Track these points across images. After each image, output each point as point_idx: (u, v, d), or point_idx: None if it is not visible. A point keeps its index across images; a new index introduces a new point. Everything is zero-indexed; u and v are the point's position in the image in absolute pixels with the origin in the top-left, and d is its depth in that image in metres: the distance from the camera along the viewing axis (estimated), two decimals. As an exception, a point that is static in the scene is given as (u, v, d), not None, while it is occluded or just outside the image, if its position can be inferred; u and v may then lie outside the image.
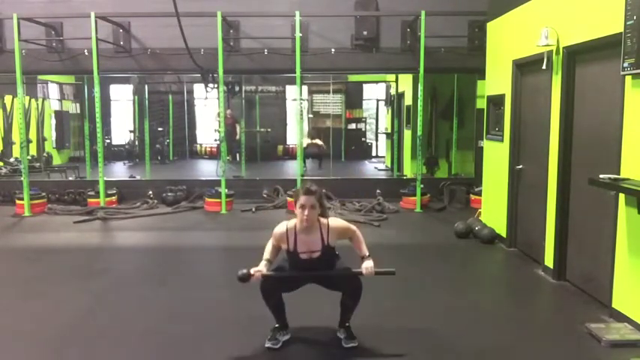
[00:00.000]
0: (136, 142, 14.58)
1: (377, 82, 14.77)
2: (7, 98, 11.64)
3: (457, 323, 3.97)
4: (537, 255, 5.37)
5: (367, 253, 3.44)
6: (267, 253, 3.46)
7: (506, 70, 6.06)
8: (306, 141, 11.41)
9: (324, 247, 3.35)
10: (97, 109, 8.52)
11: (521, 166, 5.86)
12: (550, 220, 5.02)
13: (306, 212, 3.27)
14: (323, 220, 3.39)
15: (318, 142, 11.94)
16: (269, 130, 14.68)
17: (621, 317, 3.84)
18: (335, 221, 3.47)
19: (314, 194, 3.29)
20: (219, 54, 8.19)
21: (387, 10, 8.72)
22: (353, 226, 3.52)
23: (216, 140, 13.31)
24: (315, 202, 3.29)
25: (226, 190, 8.42)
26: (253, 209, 8.38)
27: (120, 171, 13.09)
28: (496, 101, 6.49)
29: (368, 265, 3.35)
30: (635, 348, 3.48)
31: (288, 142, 15.59)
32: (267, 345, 3.47)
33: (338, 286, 3.46)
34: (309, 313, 3.87)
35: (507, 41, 6.15)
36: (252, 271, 3.32)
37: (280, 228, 3.42)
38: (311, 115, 14.85)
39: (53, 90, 13.26)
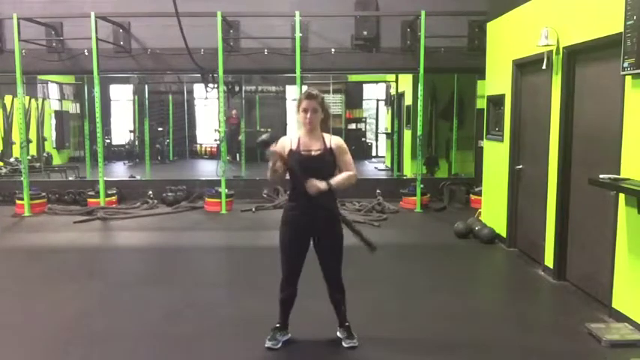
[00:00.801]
0: (136, 142, 14.58)
1: (377, 82, 14.78)
2: (7, 98, 11.64)
3: (457, 323, 3.97)
4: (537, 255, 5.37)
5: (333, 182, 3.27)
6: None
7: (506, 70, 6.06)
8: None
9: (325, 148, 3.34)
10: (97, 109, 8.52)
11: (521, 166, 5.86)
12: (550, 220, 5.02)
13: (308, 115, 3.29)
14: (326, 134, 3.41)
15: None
16: (269, 130, 14.68)
17: (621, 317, 3.84)
18: (338, 138, 3.46)
19: (315, 98, 3.32)
20: (219, 54, 8.19)
21: (387, 10, 8.71)
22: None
23: (216, 140, 13.31)
24: (317, 106, 3.31)
25: (226, 190, 8.42)
26: (253, 209, 8.38)
27: (120, 171, 13.10)
28: (496, 101, 6.49)
29: (319, 185, 3.18)
30: (635, 348, 3.48)
31: (288, 142, 15.57)
32: (267, 345, 3.47)
33: (325, 262, 3.42)
34: (309, 313, 3.87)
35: (507, 41, 6.14)
36: (274, 146, 3.23)
37: (285, 137, 3.45)
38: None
39: (53, 90, 13.26)
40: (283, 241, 3.43)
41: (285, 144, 3.38)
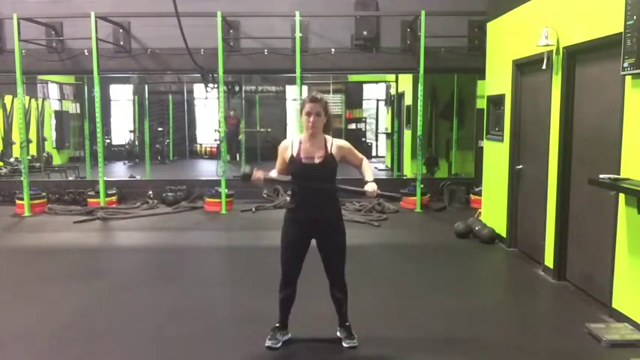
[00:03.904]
0: (136, 142, 14.57)
1: (377, 82, 14.77)
2: (7, 98, 11.64)
3: (457, 323, 3.97)
4: (537, 255, 5.37)
5: (371, 179, 3.36)
6: (273, 172, 3.45)
7: (506, 70, 6.06)
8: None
9: (326, 155, 3.32)
10: (97, 109, 8.52)
11: (521, 166, 5.86)
12: (550, 220, 5.02)
13: (311, 119, 3.27)
14: (328, 137, 3.40)
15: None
16: (269, 130, 14.68)
17: (621, 317, 3.84)
18: (341, 140, 3.47)
19: (319, 102, 3.31)
20: (219, 54, 8.19)
21: (387, 10, 8.71)
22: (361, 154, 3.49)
23: (216, 140, 13.31)
24: (321, 110, 3.30)
25: (226, 190, 8.42)
26: (253, 209, 8.38)
27: (120, 171, 13.10)
28: (496, 101, 6.49)
29: (371, 187, 3.28)
30: (635, 348, 3.48)
31: (288, 142, 15.56)
32: (267, 344, 3.47)
33: (329, 257, 3.41)
34: (309, 313, 3.87)
35: (507, 41, 6.15)
36: (254, 171, 3.30)
37: (286, 140, 3.44)
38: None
39: (53, 90, 13.26)
40: (284, 242, 3.44)
41: (287, 147, 3.38)
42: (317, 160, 3.31)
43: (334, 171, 3.38)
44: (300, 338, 3.60)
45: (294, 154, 3.34)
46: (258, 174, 3.32)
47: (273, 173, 3.43)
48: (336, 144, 3.39)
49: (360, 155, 3.49)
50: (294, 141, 3.39)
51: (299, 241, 3.41)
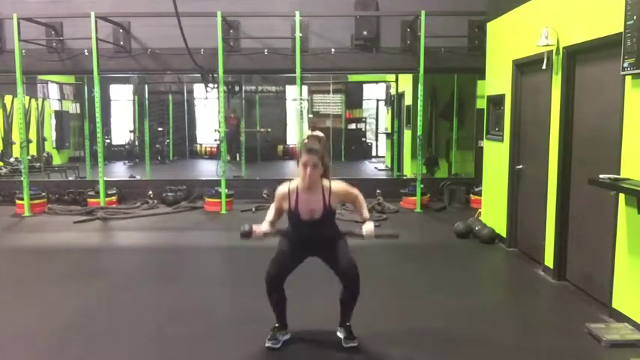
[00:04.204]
0: (136, 142, 14.57)
1: (377, 82, 14.77)
2: (7, 98, 11.64)
3: (457, 323, 3.97)
4: (537, 255, 5.37)
5: (368, 217, 3.41)
6: (269, 216, 3.44)
7: (506, 70, 6.06)
8: (307, 132, 11.41)
9: (325, 209, 3.31)
10: (97, 109, 8.52)
11: (521, 166, 5.86)
12: (550, 220, 5.02)
13: (307, 171, 3.24)
14: (325, 182, 3.36)
15: (319, 133, 11.87)
16: (269, 130, 14.68)
17: (621, 317, 3.84)
18: (337, 184, 3.42)
19: (316, 153, 3.27)
20: (219, 54, 8.19)
21: (387, 10, 8.71)
22: (355, 190, 3.50)
23: (216, 140, 13.31)
24: (317, 161, 3.26)
25: (226, 190, 8.42)
26: (253, 209, 8.38)
27: (120, 171, 13.09)
28: (496, 101, 6.49)
29: (368, 228, 3.32)
30: (635, 348, 3.48)
31: (288, 142, 15.58)
32: (267, 345, 3.47)
33: (336, 263, 3.40)
34: (309, 313, 3.87)
35: (507, 41, 6.15)
36: (254, 227, 3.32)
37: (282, 188, 3.40)
38: (311, 115, 14.85)
39: (53, 90, 13.25)
40: (282, 249, 3.46)
41: (285, 197, 3.37)
42: (316, 216, 3.32)
43: (334, 216, 3.42)
44: (300, 338, 3.61)
45: (292, 208, 3.33)
46: (258, 230, 3.33)
47: (267, 220, 3.42)
48: (334, 192, 3.36)
49: (355, 191, 3.48)
50: (291, 190, 3.35)
51: (297, 254, 3.43)
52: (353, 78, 14.55)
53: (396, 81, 12.12)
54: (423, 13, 8.02)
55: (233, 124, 13.32)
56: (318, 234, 3.37)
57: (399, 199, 8.76)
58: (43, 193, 8.60)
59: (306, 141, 3.37)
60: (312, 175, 3.26)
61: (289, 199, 3.35)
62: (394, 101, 12.39)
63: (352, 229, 3.51)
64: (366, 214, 3.46)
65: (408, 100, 11.14)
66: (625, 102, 3.83)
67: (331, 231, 3.43)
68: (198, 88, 14.54)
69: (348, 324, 3.53)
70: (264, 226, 3.36)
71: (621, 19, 3.75)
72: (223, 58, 8.25)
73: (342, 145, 14.43)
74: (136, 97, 13.65)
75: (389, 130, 13.19)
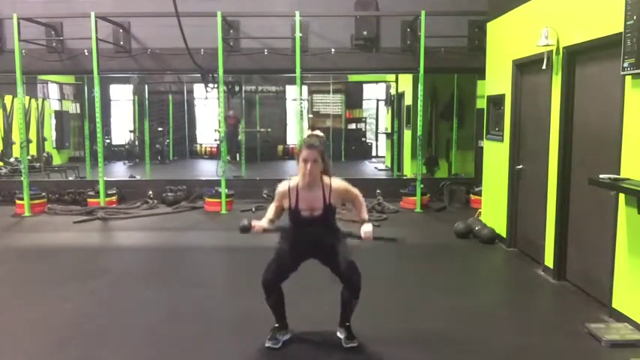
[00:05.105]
0: (136, 142, 14.58)
1: (377, 82, 14.77)
2: (7, 98, 11.64)
3: (457, 323, 3.97)
4: (537, 255, 5.37)
5: (367, 218, 3.42)
6: (269, 213, 3.44)
7: (506, 70, 6.06)
8: (307, 132, 11.42)
9: (325, 206, 3.32)
10: (97, 109, 8.52)
11: (521, 166, 5.86)
12: (550, 220, 5.02)
13: (308, 166, 3.25)
14: (326, 179, 3.36)
15: (319, 133, 11.88)
16: (269, 130, 14.68)
17: (621, 317, 3.84)
18: (337, 182, 3.43)
19: (316, 149, 3.28)
20: (219, 54, 8.19)
21: (387, 10, 8.71)
22: (356, 190, 3.50)
23: (216, 140, 13.32)
24: (318, 157, 3.27)
25: (226, 190, 8.42)
26: (253, 209, 8.38)
27: (120, 171, 13.10)
28: (496, 101, 6.49)
29: (366, 230, 3.32)
30: (635, 348, 3.48)
31: (288, 142, 15.59)
32: (267, 345, 3.47)
33: (337, 265, 3.39)
34: (309, 313, 3.87)
35: (507, 41, 6.15)
36: (253, 222, 3.33)
37: (283, 186, 3.41)
38: (311, 115, 14.86)
39: (53, 90, 13.26)
40: (281, 249, 3.46)
41: (285, 195, 3.38)
42: (317, 213, 3.32)
43: (334, 214, 3.41)
44: (300, 338, 3.60)
45: (292, 206, 3.34)
46: (257, 226, 3.33)
47: (267, 218, 3.42)
48: (334, 190, 3.36)
49: (355, 191, 3.49)
50: (291, 187, 3.35)
51: (296, 255, 3.42)
52: (353, 78, 14.56)
53: (396, 81, 12.12)
54: (423, 13, 8.02)
55: (232, 124, 13.33)
56: (318, 233, 3.36)
57: (399, 199, 8.76)
58: (43, 193, 8.60)
59: (306, 139, 3.38)
60: (313, 171, 3.27)
61: (289, 197, 3.35)
62: (394, 101, 12.39)
63: (352, 230, 3.49)
64: (364, 215, 3.46)
65: (408, 100, 11.14)
66: (625, 102, 3.83)
67: (331, 231, 3.42)
68: (198, 88, 14.56)
69: (348, 324, 3.53)
70: (263, 222, 3.37)
71: (621, 19, 3.75)
72: (223, 58, 8.25)
73: (342, 145, 14.44)
74: (136, 97, 13.65)
75: (389, 130, 13.20)
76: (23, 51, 8.37)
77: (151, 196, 8.95)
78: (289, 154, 14.85)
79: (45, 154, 12.18)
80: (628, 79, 3.78)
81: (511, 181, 6.01)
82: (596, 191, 4.14)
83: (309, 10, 8.49)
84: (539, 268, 5.23)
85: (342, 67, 9.26)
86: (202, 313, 4.17)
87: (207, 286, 4.86)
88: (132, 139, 14.97)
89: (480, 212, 6.96)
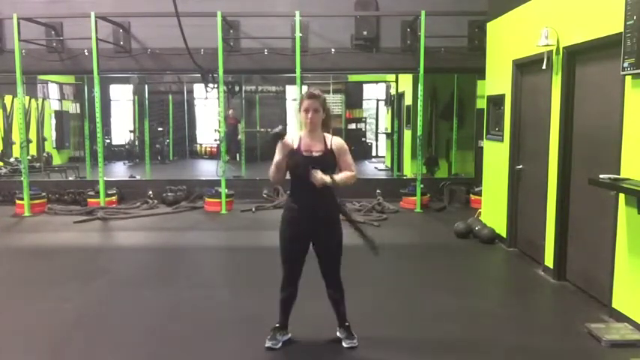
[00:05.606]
0: (136, 142, 14.58)
1: (377, 82, 14.77)
2: (7, 98, 11.64)
3: (457, 323, 3.97)
4: (537, 255, 5.37)
5: (338, 179, 3.30)
6: (275, 158, 3.40)
7: (506, 70, 6.06)
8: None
9: (325, 149, 3.35)
10: (97, 109, 8.52)
11: (521, 166, 5.86)
12: (550, 220, 5.02)
13: (309, 115, 3.30)
14: (327, 134, 3.41)
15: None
16: (269, 130, 14.63)
17: (621, 317, 3.84)
18: (337, 138, 3.46)
19: (317, 98, 3.33)
20: (219, 54, 8.19)
21: (387, 10, 8.71)
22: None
23: (216, 140, 13.31)
24: (319, 106, 3.32)
25: (226, 190, 8.42)
26: (253, 209, 8.38)
27: (120, 171, 13.10)
28: (496, 101, 6.49)
29: (320, 176, 3.21)
30: (635, 348, 3.48)
31: (288, 142, 15.56)
32: (267, 345, 3.47)
33: (324, 263, 3.42)
34: (309, 313, 3.87)
35: (507, 41, 6.15)
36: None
37: (287, 136, 3.40)
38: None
39: (53, 90, 13.26)
40: (283, 241, 3.44)
41: (286, 143, 3.36)
42: (316, 154, 3.34)
43: (333, 165, 3.38)
44: (300, 338, 3.60)
45: (294, 148, 3.35)
46: (288, 141, 3.29)
47: (275, 161, 3.37)
48: (335, 141, 3.41)
49: (350, 160, 3.43)
50: (294, 137, 3.40)
51: (297, 242, 3.40)
52: (353, 78, 14.56)
53: (396, 81, 12.12)
54: (423, 13, 8.02)
55: (231, 124, 13.33)
56: (316, 205, 3.32)
57: (399, 199, 8.76)
58: (43, 193, 8.60)
59: (306, 93, 3.40)
60: (314, 119, 3.31)
61: (292, 143, 3.35)
62: (394, 101, 12.39)
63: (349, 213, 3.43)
64: (342, 175, 3.36)
65: (408, 100, 11.14)
66: (625, 102, 3.83)
67: (331, 200, 3.39)
68: (198, 88, 14.56)
69: (347, 324, 3.53)
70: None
71: (621, 19, 3.75)
72: (223, 58, 8.25)
73: (342, 145, 14.42)
74: (136, 97, 13.66)
75: (389, 130, 13.20)
76: (23, 51, 8.37)
77: (151, 196, 8.95)
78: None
79: (45, 154, 12.18)
80: (628, 79, 3.78)
81: (511, 181, 6.01)
82: (596, 191, 4.14)
83: (309, 10, 8.49)
84: (540, 268, 5.23)
85: (342, 67, 9.27)
86: (202, 312, 4.17)
87: (207, 286, 4.86)
88: (132, 139, 14.97)
89: (480, 212, 6.96)
